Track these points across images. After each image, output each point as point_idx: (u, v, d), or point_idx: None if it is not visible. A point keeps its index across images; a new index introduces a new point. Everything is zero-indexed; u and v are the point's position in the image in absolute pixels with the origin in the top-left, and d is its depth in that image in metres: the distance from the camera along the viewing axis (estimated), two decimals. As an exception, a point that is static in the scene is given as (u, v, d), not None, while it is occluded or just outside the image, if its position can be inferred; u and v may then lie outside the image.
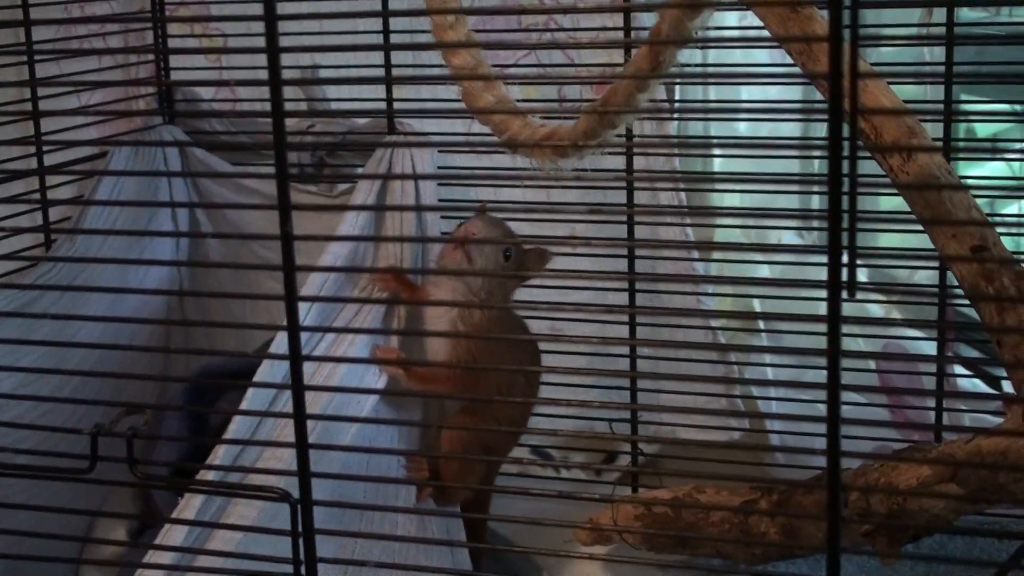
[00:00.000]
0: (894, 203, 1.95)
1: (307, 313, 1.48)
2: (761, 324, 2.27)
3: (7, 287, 1.69)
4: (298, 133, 2.01)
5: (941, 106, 1.72)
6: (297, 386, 1.08)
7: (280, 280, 2.00)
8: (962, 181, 1.38)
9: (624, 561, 1.90)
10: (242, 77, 2.03)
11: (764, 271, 2.51)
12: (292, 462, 1.11)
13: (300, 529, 1.10)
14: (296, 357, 1.08)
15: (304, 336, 1.09)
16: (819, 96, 1.98)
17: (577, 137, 1.36)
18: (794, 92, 2.07)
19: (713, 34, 2.03)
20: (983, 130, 2.53)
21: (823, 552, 1.47)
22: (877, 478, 1.57)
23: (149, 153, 1.95)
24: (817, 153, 2.31)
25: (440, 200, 1.88)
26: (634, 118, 1.78)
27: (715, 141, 2.30)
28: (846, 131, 0.88)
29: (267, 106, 1.03)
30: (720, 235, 2.33)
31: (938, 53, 1.85)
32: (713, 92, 2.27)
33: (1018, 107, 2.40)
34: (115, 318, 1.77)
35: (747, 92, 2.21)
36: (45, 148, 1.82)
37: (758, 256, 2.27)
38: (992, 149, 2.24)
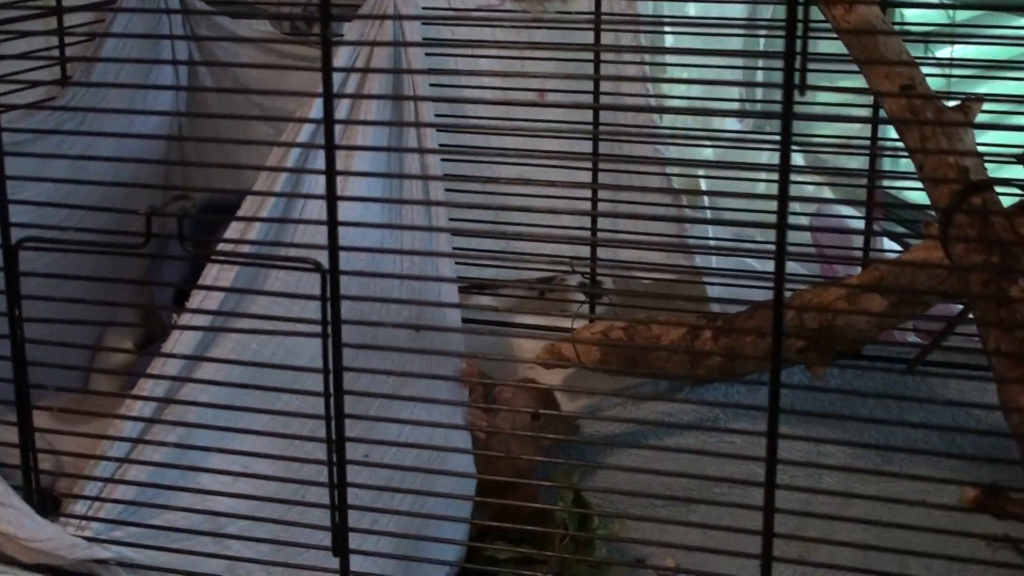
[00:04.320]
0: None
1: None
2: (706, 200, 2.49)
3: (37, 108, 1.86)
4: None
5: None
6: (330, 171, 1.27)
7: (272, 126, 2.16)
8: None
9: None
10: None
11: (708, 153, 2.72)
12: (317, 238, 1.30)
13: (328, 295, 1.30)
14: (330, 146, 1.27)
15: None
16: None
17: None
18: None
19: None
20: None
21: (761, 371, 1.69)
22: (810, 298, 1.80)
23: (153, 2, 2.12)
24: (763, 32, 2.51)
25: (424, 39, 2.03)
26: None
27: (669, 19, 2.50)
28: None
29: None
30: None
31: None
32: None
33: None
34: (128, 134, 1.94)
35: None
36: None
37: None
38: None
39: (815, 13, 1.73)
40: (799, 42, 1.12)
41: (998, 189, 1.46)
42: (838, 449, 1.90)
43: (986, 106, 1.57)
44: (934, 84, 2.37)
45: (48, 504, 1.51)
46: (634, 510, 1.79)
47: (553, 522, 1.70)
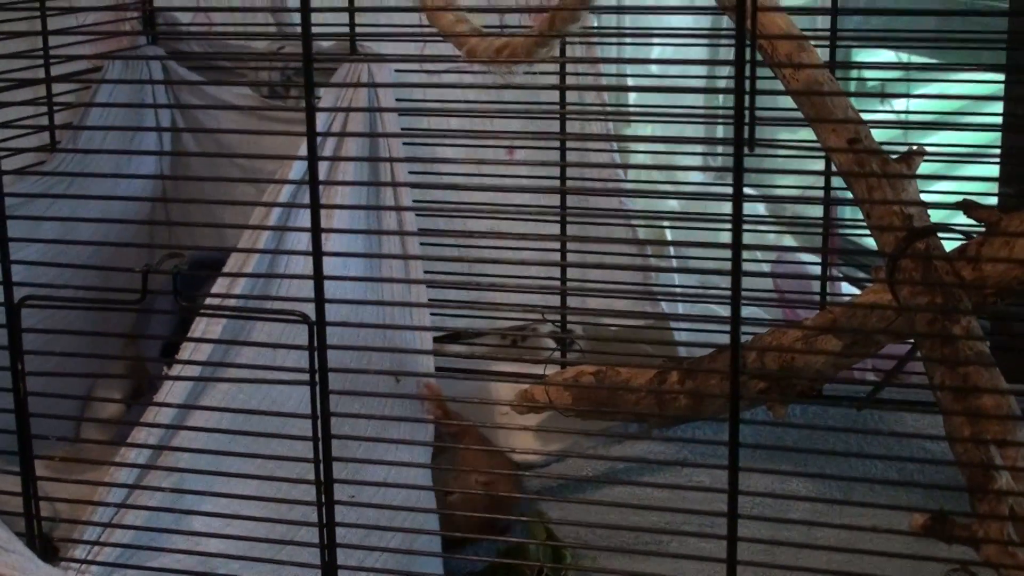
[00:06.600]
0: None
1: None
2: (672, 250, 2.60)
3: (28, 173, 1.95)
4: (270, 55, 2.28)
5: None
6: (315, 228, 1.36)
7: (254, 186, 2.25)
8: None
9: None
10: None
11: (673, 204, 2.84)
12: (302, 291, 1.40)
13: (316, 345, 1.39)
14: (315, 205, 1.36)
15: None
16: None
17: (529, 47, 1.65)
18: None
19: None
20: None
21: (726, 410, 1.77)
22: (770, 341, 1.89)
23: (137, 66, 2.21)
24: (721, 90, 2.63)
25: (397, 100, 2.12)
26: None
27: (631, 82, 2.63)
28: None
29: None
30: (637, 160, 2.66)
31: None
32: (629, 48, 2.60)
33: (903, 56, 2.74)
34: (115, 196, 2.02)
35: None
36: (52, 61, 2.07)
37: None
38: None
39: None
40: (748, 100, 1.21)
41: (940, 234, 1.56)
42: (800, 483, 1.98)
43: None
44: (889, 135, 2.50)
45: (49, 550, 1.58)
46: (607, 544, 1.87)
47: (527, 558, 1.78)
